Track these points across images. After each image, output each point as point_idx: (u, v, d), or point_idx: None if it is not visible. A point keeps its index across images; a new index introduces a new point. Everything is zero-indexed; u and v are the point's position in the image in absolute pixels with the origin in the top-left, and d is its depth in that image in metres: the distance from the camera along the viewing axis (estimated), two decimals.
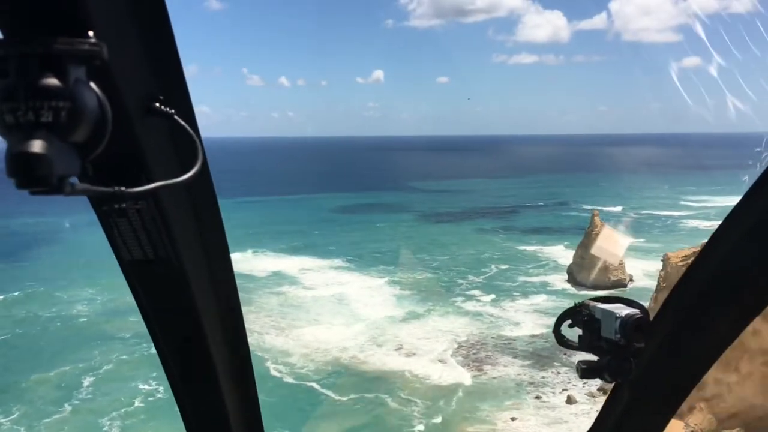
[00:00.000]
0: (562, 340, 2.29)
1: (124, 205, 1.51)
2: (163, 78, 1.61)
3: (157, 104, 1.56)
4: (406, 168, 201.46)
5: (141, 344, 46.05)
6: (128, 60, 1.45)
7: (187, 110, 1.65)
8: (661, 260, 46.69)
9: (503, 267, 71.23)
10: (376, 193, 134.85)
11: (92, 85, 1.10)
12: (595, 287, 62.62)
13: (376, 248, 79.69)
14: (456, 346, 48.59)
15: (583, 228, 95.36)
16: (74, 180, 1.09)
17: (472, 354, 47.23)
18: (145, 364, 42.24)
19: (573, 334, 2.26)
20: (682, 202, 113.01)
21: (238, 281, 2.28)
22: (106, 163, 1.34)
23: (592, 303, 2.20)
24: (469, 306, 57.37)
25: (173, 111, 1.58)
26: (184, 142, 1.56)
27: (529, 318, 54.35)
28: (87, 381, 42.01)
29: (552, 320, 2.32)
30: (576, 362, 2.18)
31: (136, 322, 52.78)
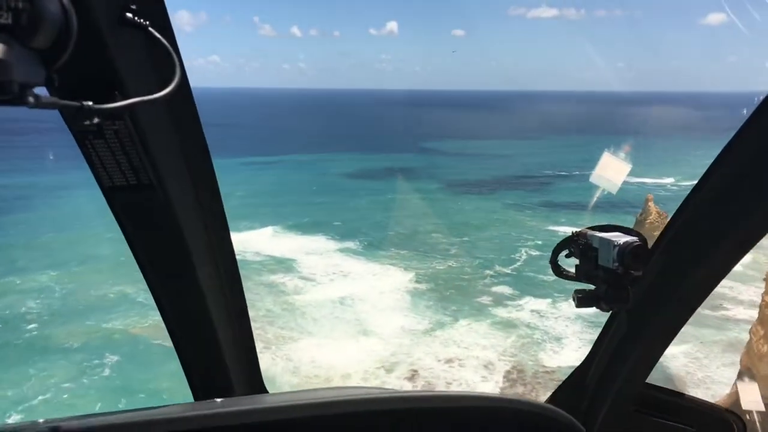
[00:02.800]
0: (558, 271, 2.25)
1: (96, 121, 1.33)
2: None
3: (130, 14, 1.49)
4: (420, 125, 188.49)
5: (92, 362, 36.64)
6: None
7: (163, 22, 1.57)
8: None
9: (534, 254, 60.86)
10: (388, 155, 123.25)
11: None
12: None
13: (388, 226, 69.25)
14: (485, 374, 38.61)
15: (622, 206, 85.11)
16: (40, 92, 1.04)
17: (507, 388, 37.25)
18: (93, 396, 32.90)
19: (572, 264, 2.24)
20: None
21: None
22: (75, 78, 1.38)
23: (590, 231, 2.17)
24: (500, 311, 47.16)
25: (147, 22, 1.51)
26: (161, 57, 1.50)
27: (571, 331, 44.26)
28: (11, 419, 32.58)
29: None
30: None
31: (93, 327, 43.39)
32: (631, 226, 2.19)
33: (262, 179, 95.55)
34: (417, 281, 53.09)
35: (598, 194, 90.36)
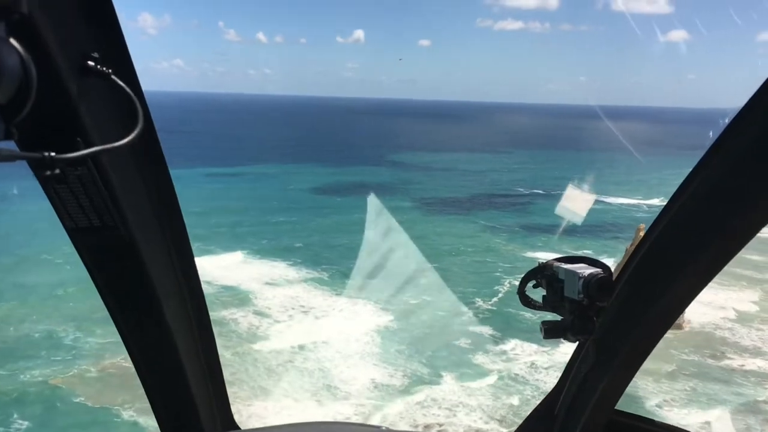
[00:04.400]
0: (526, 301, 2.35)
1: (57, 171, 1.35)
2: (98, 34, 1.48)
3: (92, 63, 1.45)
4: (388, 136, 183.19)
5: None
6: (56, 14, 1.37)
7: (126, 68, 1.55)
8: None
9: (515, 284, 55.52)
10: (356, 168, 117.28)
11: (13, 41, 1.01)
12: None
13: (356, 250, 63.16)
14: None
15: (603, 227, 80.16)
16: (1, 144, 1.03)
17: None
18: None
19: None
20: None
21: None
22: (38, 127, 1.35)
23: (556, 263, 2.23)
24: (485, 360, 41.45)
25: (110, 70, 1.48)
26: (124, 103, 1.48)
27: None
28: None
29: None
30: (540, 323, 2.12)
31: (5, 378, 36.53)
32: (621, 255, 2.93)
33: (221, 193, 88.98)
34: (388, 319, 47.25)
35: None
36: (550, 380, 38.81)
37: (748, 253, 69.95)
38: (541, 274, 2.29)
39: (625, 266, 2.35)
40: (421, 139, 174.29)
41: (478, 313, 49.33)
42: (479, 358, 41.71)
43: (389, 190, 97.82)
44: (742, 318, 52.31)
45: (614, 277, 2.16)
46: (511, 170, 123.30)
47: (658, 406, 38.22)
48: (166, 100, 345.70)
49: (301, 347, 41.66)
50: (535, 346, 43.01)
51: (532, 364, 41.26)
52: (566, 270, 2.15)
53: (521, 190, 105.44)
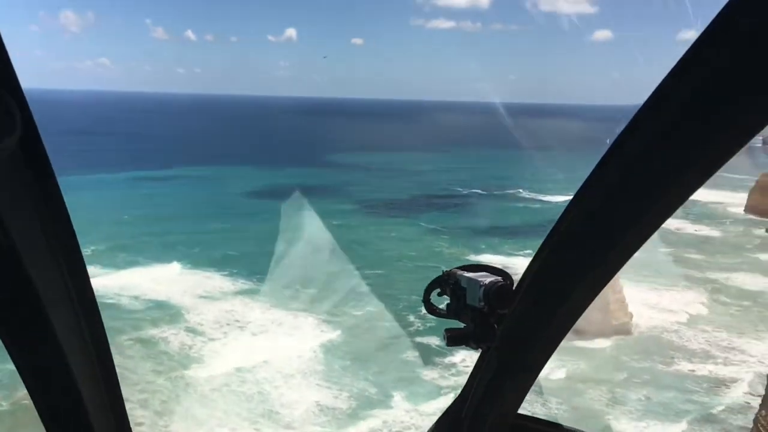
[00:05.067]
0: (431, 308, 2.40)
1: None
2: None
3: None
4: (326, 136, 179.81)
5: None
6: None
7: (4, 71, 1.49)
8: None
9: None
10: (294, 169, 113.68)
11: None
12: (590, 334, 46.71)
13: (293, 259, 60.10)
14: None
15: (546, 226, 79.59)
16: None
17: None
18: None
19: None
20: None
21: None
22: None
23: (459, 271, 2.29)
24: (435, 376, 39.30)
25: None
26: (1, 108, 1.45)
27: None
28: None
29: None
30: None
31: None
32: None
33: (149, 199, 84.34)
34: (330, 333, 44.71)
35: (513, 217, 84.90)
36: None
37: (687, 252, 70.36)
38: (446, 282, 2.29)
39: (525, 274, 2.33)
40: (357, 138, 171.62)
41: (425, 323, 47.24)
42: (429, 374, 39.61)
43: (328, 192, 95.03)
44: (688, 320, 51.95)
45: (515, 285, 2.19)
46: (450, 170, 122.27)
47: (615, 418, 36.97)
48: (90, 100, 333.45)
49: (238, 368, 38.60)
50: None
51: None
52: (468, 278, 2.17)
53: (461, 190, 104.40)
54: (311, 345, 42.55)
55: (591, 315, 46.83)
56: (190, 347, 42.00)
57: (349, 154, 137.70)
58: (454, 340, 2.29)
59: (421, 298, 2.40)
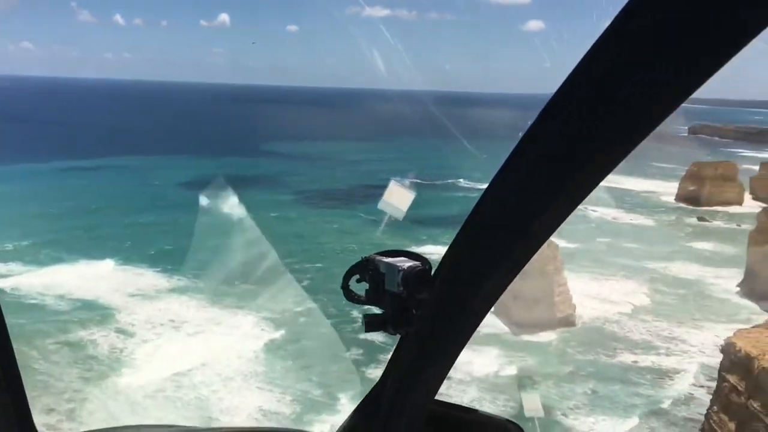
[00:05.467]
0: (350, 296, 2.35)
1: None
2: None
3: None
4: (262, 125, 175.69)
5: None
6: None
7: None
8: None
9: None
10: (230, 159, 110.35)
11: None
12: (536, 327, 46.52)
13: (230, 253, 57.65)
14: None
15: None
16: None
17: None
18: None
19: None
20: None
21: (18, 313, 2.26)
22: None
23: (378, 257, 2.27)
24: (379, 373, 38.20)
25: None
26: None
27: (471, 397, 36.42)
28: None
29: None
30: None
31: None
32: None
33: (77, 191, 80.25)
34: (271, 331, 43.08)
35: (453, 207, 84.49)
36: (455, 394, 36.24)
37: (624, 241, 71.32)
38: (365, 268, 2.28)
39: (444, 259, 2.33)
40: (295, 127, 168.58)
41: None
42: (374, 372, 38.32)
43: (266, 182, 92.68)
44: (628, 310, 52.43)
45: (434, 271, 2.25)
46: (388, 159, 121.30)
47: (564, 414, 36.65)
48: (12, 85, 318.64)
49: (174, 372, 36.44)
50: None
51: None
52: (387, 264, 2.17)
53: (400, 179, 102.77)
54: (251, 345, 40.80)
55: (537, 308, 46.73)
56: (121, 350, 39.64)
57: (285, 143, 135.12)
58: (372, 325, 2.23)
59: (340, 285, 2.29)
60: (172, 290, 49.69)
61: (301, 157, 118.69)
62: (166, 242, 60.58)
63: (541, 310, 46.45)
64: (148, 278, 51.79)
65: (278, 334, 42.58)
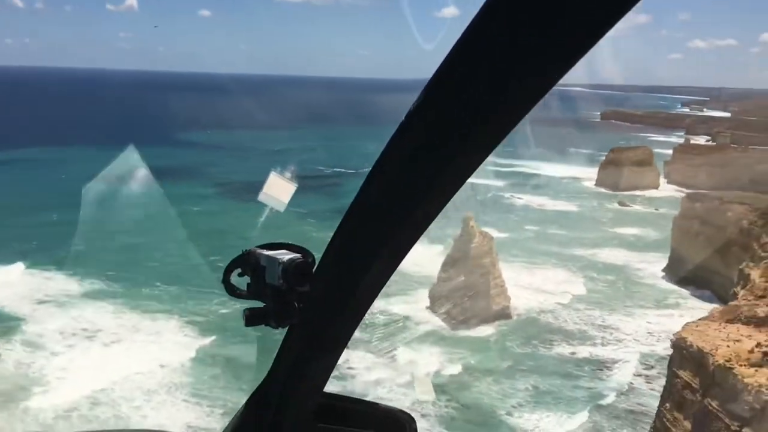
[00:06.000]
0: (231, 290, 2.23)
1: None
2: None
3: None
4: (176, 113, 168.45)
5: None
6: None
7: None
8: None
9: None
10: (143, 150, 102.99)
11: None
12: (473, 322, 45.52)
13: (147, 251, 53.88)
14: None
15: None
16: None
17: None
18: None
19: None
20: (502, 169, 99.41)
21: None
22: None
23: (258, 250, 2.21)
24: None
25: None
26: None
27: (408, 401, 34.90)
28: None
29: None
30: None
31: None
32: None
33: None
34: (196, 336, 40.32)
35: None
36: (396, 397, 34.62)
37: (551, 228, 71.53)
38: (246, 262, 2.16)
39: (327, 249, 2.29)
40: (209, 115, 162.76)
41: None
42: None
43: (184, 174, 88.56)
44: (561, 299, 52.28)
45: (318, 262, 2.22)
46: (311, 149, 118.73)
47: (509, 413, 35.64)
48: None
49: (89, 388, 33.30)
50: (371, 357, 38.65)
51: (378, 381, 36.80)
52: (267, 256, 2.10)
53: (323, 169, 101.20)
54: (175, 353, 37.96)
55: (473, 302, 45.72)
56: (29, 365, 36.05)
57: (201, 132, 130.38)
58: (253, 319, 2.11)
59: (221, 279, 2.13)
60: (85, 295, 46.06)
61: (218, 147, 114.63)
62: (77, 243, 56.18)
63: (478, 304, 45.55)
64: (58, 282, 47.89)
65: (206, 341, 39.92)
